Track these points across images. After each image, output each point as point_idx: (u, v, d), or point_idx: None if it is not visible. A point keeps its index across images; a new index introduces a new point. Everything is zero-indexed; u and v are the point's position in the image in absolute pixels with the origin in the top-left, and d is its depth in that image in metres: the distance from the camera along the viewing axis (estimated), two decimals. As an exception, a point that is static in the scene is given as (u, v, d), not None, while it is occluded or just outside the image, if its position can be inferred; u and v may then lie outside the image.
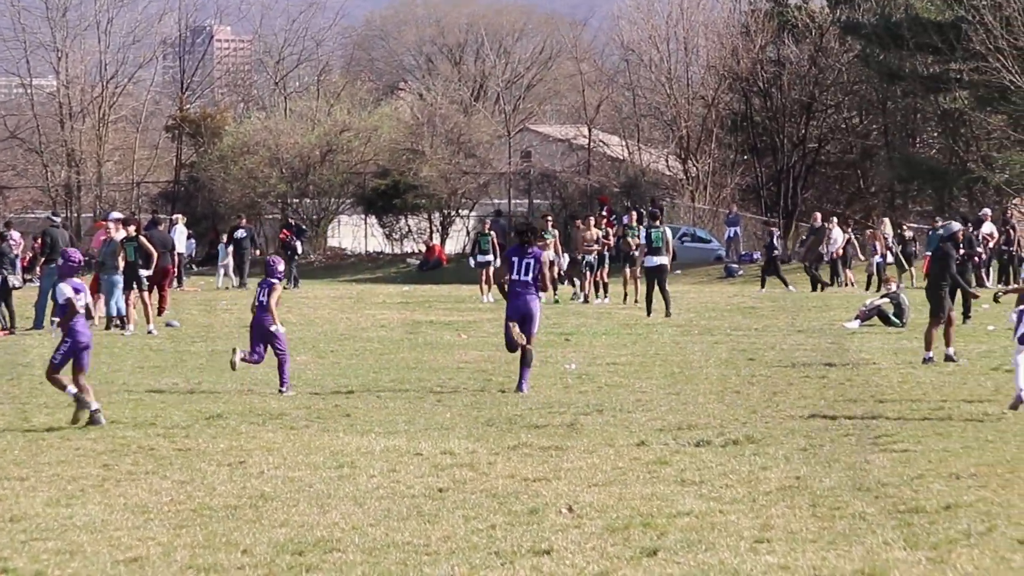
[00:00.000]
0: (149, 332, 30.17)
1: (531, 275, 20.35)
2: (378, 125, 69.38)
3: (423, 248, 64.78)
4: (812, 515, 12.26)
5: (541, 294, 20.67)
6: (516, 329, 20.23)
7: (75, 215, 69.77)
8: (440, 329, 31.76)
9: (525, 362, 20.50)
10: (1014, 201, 58.01)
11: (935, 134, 67.41)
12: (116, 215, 36.11)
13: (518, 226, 23.05)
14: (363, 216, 68.78)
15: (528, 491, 13.38)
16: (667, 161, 69.87)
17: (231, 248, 48.20)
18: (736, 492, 13.24)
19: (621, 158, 70.08)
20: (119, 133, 76.55)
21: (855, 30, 64.08)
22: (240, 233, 48.16)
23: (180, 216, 51.54)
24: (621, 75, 74.36)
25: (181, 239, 50.77)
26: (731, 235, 59.97)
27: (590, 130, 71.30)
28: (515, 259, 20.52)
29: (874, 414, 18.00)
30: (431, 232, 68.14)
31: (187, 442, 16.28)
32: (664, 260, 34.32)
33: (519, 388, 20.37)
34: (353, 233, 70.76)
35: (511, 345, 20.58)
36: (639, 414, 18.37)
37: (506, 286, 20.68)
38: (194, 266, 57.43)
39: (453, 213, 68.05)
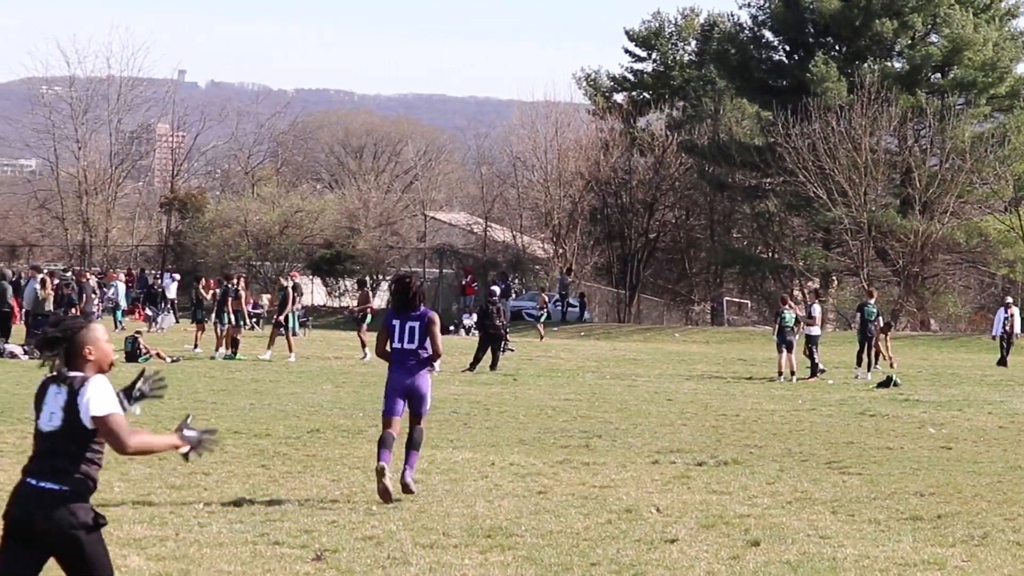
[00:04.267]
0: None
1: (417, 342, 12.66)
2: (324, 208, 70.53)
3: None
4: (838, 519, 11.68)
5: (435, 364, 13.14)
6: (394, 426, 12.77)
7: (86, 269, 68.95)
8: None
9: (413, 443, 12.76)
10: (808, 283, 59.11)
11: (747, 230, 68.47)
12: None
13: (398, 280, 13.07)
14: (311, 277, 68.57)
15: (603, 495, 12.84)
16: (542, 244, 70.59)
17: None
18: (763, 500, 12.61)
19: (507, 241, 70.71)
20: (126, 207, 77.38)
21: (691, 149, 65.20)
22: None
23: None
24: (509, 177, 74.79)
25: (172, 288, 50.41)
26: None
27: (487, 218, 71.55)
28: (396, 323, 12.73)
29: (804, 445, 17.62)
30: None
31: (307, 449, 15.86)
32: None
33: (404, 479, 12.52)
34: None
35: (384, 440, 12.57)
36: (632, 439, 17.70)
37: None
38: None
39: (380, 277, 67.90)
